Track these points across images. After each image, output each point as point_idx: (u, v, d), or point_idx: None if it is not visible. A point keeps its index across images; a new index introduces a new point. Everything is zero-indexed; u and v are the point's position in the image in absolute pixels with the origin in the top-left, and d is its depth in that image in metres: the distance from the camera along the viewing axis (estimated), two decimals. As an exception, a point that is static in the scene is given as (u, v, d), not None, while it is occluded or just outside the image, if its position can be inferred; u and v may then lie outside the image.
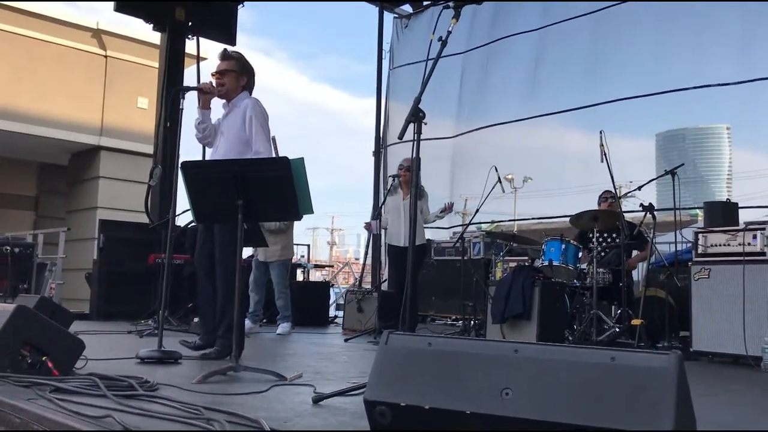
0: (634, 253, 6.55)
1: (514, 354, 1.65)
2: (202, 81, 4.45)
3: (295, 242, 7.96)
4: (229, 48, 4.53)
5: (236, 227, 4.04)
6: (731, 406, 3.30)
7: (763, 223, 5.00)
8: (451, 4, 3.27)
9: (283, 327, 6.88)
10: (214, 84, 4.39)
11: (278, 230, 7.05)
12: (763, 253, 4.92)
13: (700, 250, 5.29)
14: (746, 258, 4.85)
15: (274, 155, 4.33)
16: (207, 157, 4.74)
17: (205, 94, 4.34)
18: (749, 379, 4.28)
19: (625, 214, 6.37)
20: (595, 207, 6.57)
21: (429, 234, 7.23)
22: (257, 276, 7.05)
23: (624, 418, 1.47)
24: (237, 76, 4.41)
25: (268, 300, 7.35)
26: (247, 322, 6.73)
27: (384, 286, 8.01)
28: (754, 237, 4.96)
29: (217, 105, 4.49)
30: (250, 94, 4.51)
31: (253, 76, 4.52)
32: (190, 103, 4.50)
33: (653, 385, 1.48)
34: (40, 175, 16.06)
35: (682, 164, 6.17)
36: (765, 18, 7.19)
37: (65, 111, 13.42)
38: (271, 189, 3.44)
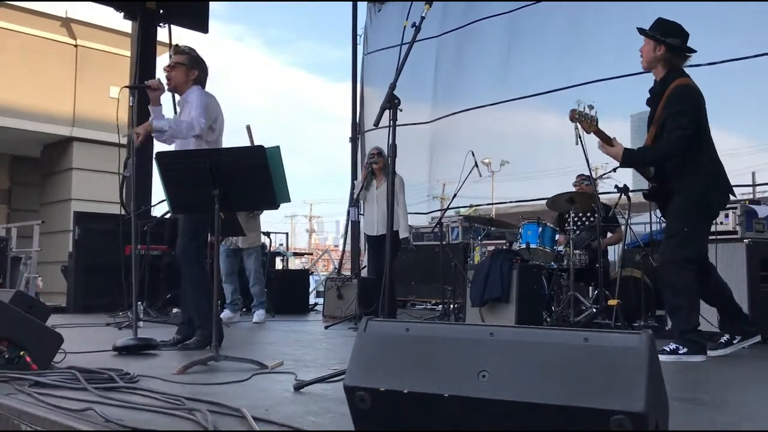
0: (608, 235, 6.64)
1: (489, 337, 1.68)
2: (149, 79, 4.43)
3: (273, 230, 7.98)
4: (182, 44, 4.52)
5: (196, 217, 4.07)
6: (704, 382, 3.38)
7: (735, 202, 5.08)
8: (424, -11, 3.27)
9: (259, 315, 6.90)
10: (162, 81, 4.38)
11: (255, 215, 7.07)
12: (735, 232, 5.01)
13: (673, 230, 5.35)
14: (719, 237, 4.93)
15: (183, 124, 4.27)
16: None
17: (153, 90, 4.32)
18: (722, 355, 4.36)
19: (600, 196, 6.44)
20: (571, 189, 6.64)
21: (408, 219, 7.23)
22: (229, 265, 7.00)
23: (597, 396, 1.51)
24: (187, 69, 4.38)
25: (243, 288, 7.34)
26: (227, 312, 6.72)
27: (364, 273, 8.04)
28: (726, 216, 5.05)
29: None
30: (203, 88, 4.47)
31: (205, 71, 4.49)
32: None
33: (625, 364, 1.52)
34: (12, 168, 15.84)
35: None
36: (734, 3, 7.28)
37: (36, 102, 13.22)
38: (247, 178, 3.43)
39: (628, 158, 4.14)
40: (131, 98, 4.26)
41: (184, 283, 4.36)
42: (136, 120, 4.38)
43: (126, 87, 4.42)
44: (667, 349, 3.86)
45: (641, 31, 4.18)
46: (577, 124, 4.33)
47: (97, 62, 13.85)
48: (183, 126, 4.17)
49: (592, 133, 4.29)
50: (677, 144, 3.98)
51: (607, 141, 4.23)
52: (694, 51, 4.15)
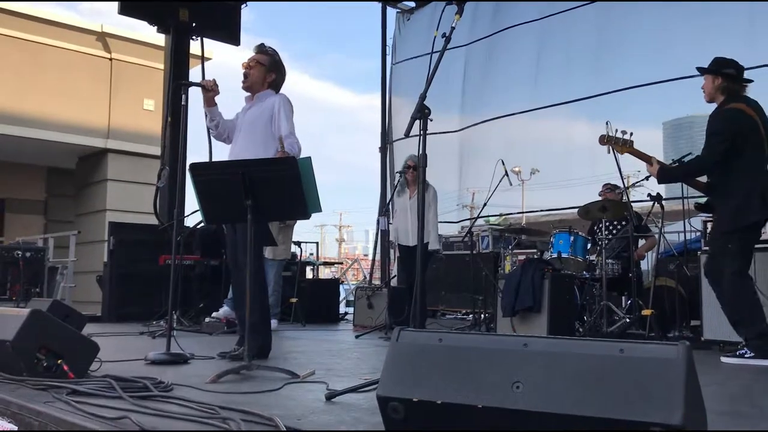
0: (641, 242, 6.54)
1: (524, 348, 1.67)
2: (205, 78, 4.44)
3: (303, 240, 8.07)
4: (267, 44, 4.52)
5: (252, 227, 4.09)
6: (742, 395, 3.30)
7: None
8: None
9: (272, 323, 6.99)
10: (216, 83, 4.39)
11: (288, 226, 7.17)
12: (772, 241, 4.91)
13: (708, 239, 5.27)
14: (757, 247, 4.83)
15: (297, 144, 4.33)
16: (225, 153, 4.72)
17: (207, 91, 4.34)
18: (760, 366, 4.26)
19: (633, 204, 6.36)
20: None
21: (438, 229, 7.19)
22: None
23: (633, 409, 1.48)
24: (265, 71, 4.44)
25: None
26: (226, 308, 6.81)
27: (394, 282, 8.03)
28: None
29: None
30: (277, 92, 4.51)
31: (283, 75, 4.53)
32: (196, 101, 4.53)
33: (662, 375, 1.49)
34: (48, 179, 16.15)
35: (690, 153, 6.14)
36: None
37: (72, 114, 13.48)
38: (280, 189, 3.46)
39: (662, 176, 4.61)
40: (183, 96, 4.23)
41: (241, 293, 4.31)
42: (169, 132, 4.41)
43: (180, 83, 4.38)
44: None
45: (701, 69, 4.53)
46: (609, 146, 4.61)
47: (131, 75, 14.09)
48: (296, 150, 4.27)
49: (626, 154, 4.70)
50: (701, 162, 4.44)
51: (645, 160, 4.60)
52: (751, 81, 4.51)
